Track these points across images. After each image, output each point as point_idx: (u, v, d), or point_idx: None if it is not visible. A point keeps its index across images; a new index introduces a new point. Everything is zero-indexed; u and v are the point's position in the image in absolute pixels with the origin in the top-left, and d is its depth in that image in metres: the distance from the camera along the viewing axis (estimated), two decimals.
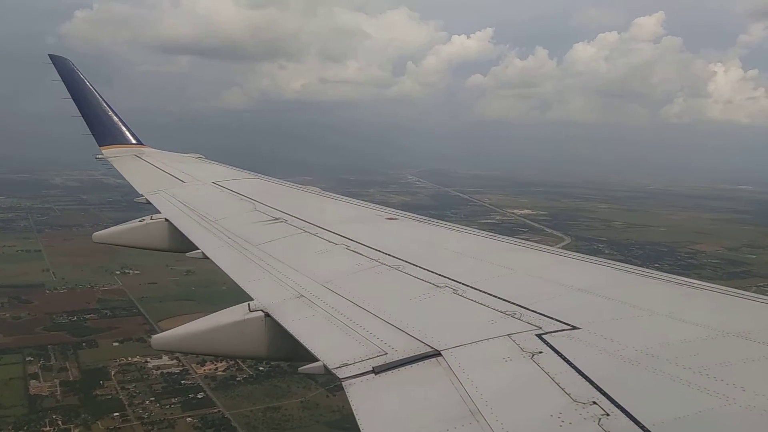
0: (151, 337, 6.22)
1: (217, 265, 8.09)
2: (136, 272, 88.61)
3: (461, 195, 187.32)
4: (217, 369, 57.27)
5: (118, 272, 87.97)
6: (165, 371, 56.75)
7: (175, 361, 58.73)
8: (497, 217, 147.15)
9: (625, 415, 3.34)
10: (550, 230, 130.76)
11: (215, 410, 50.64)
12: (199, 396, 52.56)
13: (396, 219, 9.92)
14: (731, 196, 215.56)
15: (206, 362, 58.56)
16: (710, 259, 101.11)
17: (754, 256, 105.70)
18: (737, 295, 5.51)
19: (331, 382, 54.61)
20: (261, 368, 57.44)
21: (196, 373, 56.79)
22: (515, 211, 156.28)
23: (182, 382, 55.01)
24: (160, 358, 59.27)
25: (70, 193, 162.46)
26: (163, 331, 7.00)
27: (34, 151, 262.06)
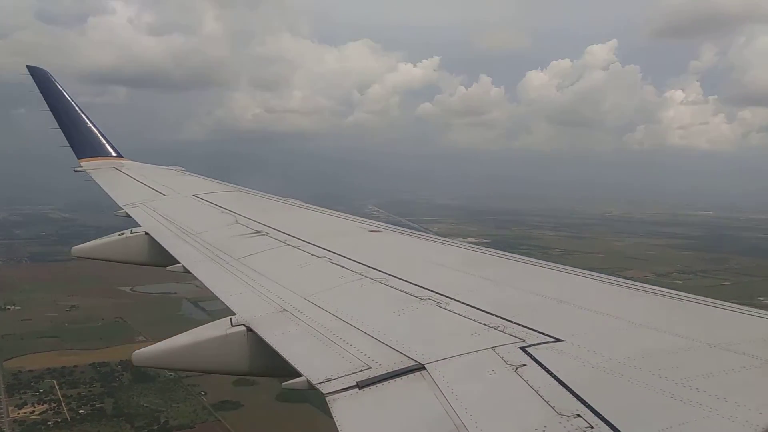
0: (132, 354, 6.01)
1: (198, 280, 7.90)
2: (17, 308, 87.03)
3: (411, 224, 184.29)
4: (33, 412, 53.32)
5: None
6: None
7: None
8: None
9: (609, 427, 3.33)
10: None
11: None
12: None
13: (379, 231, 9.83)
14: (688, 221, 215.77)
15: (25, 404, 54.61)
16: None
17: (680, 282, 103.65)
18: (719, 306, 5.47)
19: (145, 428, 50.62)
20: (82, 411, 53.74)
21: (9, 416, 52.57)
22: (459, 239, 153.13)
23: None
24: None
25: (4, 228, 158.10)
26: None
27: None
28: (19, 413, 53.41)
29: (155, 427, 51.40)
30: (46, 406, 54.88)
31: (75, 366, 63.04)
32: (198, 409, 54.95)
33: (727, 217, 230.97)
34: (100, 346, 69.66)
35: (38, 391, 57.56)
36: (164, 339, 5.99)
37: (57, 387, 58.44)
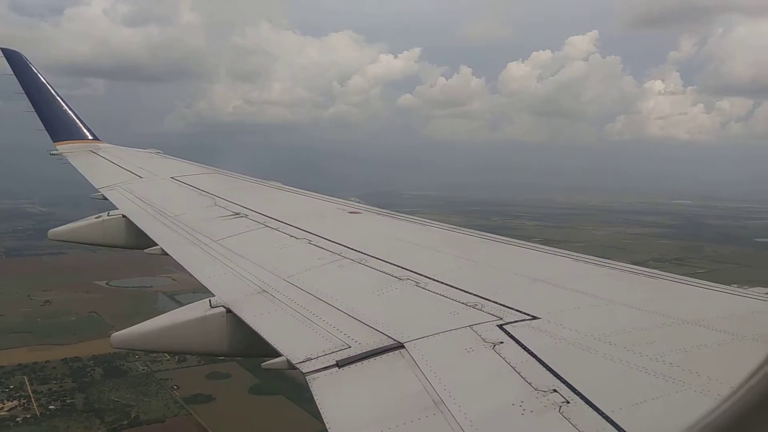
0: (110, 336, 6.00)
1: (177, 262, 7.87)
2: None
3: None
4: (2, 408, 52.70)
5: None
6: None
7: None
8: None
9: (585, 402, 3.37)
10: None
11: None
12: None
13: (358, 213, 9.94)
14: (666, 210, 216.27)
15: None
16: None
17: (655, 271, 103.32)
18: (692, 284, 5.63)
19: (115, 422, 50.23)
20: (52, 407, 53.13)
21: None
22: None
23: None
24: None
25: None
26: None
27: None
28: None
29: (125, 422, 50.67)
30: (15, 402, 53.69)
31: (47, 361, 61.87)
32: (170, 403, 54.12)
33: (704, 205, 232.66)
34: (72, 341, 68.52)
35: (8, 388, 56.37)
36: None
37: (27, 383, 57.45)
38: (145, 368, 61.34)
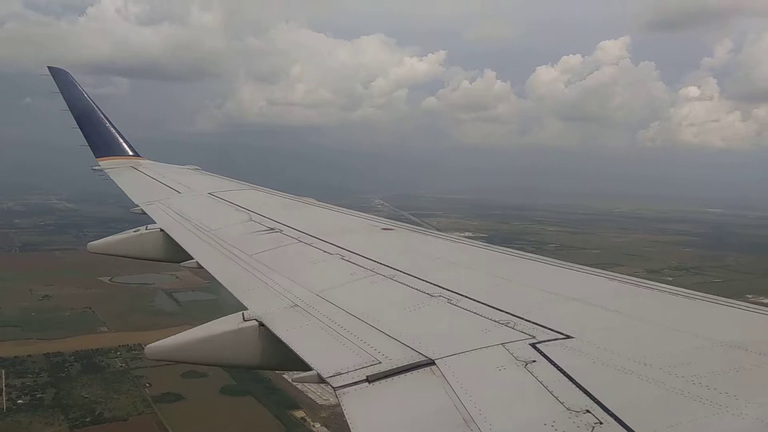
0: (144, 347, 6.14)
1: (212, 275, 7.93)
2: None
3: (412, 218, 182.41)
4: None
5: None
6: None
7: None
8: None
9: (619, 423, 3.31)
10: None
11: None
12: None
13: (391, 229, 9.90)
14: (694, 218, 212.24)
15: None
16: None
17: (670, 279, 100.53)
18: (732, 305, 5.48)
19: (78, 419, 49.77)
20: (20, 401, 52.88)
21: None
22: (456, 233, 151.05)
23: None
24: None
25: (5, 217, 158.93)
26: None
27: None
28: None
29: (88, 419, 50.35)
30: None
31: (29, 356, 62.34)
32: (138, 401, 53.89)
33: (736, 214, 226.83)
34: (60, 336, 69.06)
35: None
36: (175, 333, 6.08)
37: (3, 377, 57.76)
38: (123, 365, 60.91)
